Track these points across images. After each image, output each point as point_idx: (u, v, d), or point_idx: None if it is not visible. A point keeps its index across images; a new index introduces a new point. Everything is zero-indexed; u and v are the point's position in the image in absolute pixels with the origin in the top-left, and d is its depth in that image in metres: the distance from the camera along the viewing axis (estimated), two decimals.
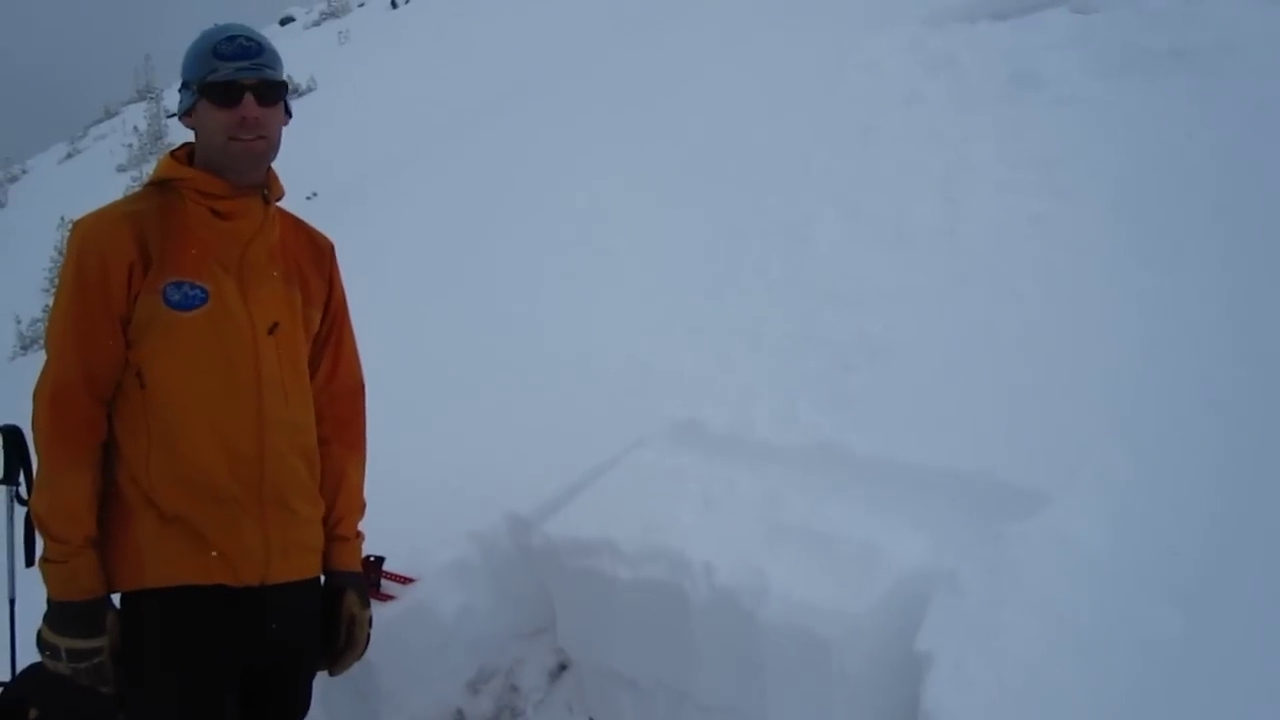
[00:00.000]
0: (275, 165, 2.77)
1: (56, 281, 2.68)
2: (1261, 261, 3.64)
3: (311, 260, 2.87)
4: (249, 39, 2.63)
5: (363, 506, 3.01)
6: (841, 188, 5.47)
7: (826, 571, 3.08)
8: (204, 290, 2.57)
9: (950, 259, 4.47)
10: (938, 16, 6.75)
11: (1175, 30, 5.15)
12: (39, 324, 31.91)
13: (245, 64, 2.59)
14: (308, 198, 15.13)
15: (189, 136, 2.72)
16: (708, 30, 9.61)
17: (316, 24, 47.05)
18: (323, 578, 2.89)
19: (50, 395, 2.51)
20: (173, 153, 2.72)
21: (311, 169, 15.74)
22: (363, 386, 3.04)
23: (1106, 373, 3.50)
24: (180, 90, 2.70)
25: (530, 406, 4.73)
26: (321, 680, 3.01)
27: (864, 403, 3.86)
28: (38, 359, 2.62)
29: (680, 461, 3.86)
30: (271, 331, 2.66)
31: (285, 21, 52.62)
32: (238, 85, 2.58)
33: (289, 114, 2.75)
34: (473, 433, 4.71)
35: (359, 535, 2.99)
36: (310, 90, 31.74)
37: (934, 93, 5.91)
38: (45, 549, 2.51)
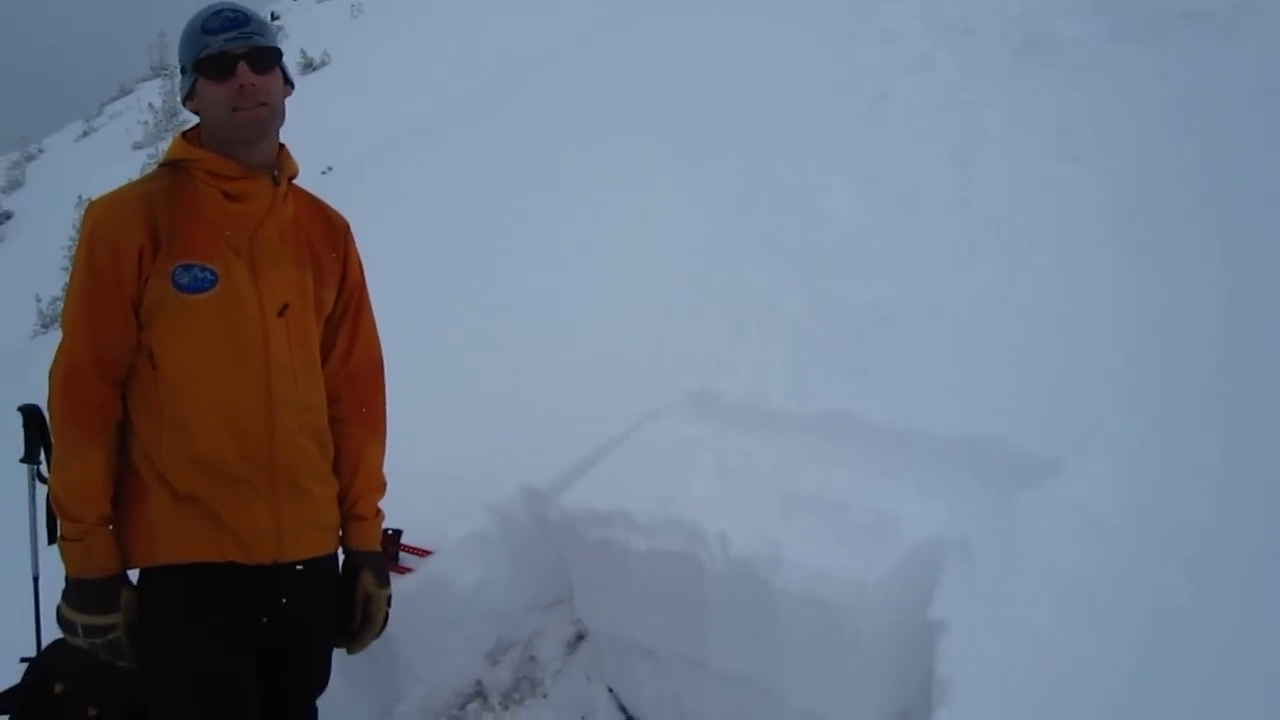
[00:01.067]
0: (289, 141, 2.78)
1: (71, 264, 2.71)
2: (1278, 226, 3.62)
3: (325, 240, 2.88)
4: (234, 10, 2.65)
5: (383, 485, 3.03)
6: (853, 156, 5.45)
7: (841, 540, 3.08)
8: (214, 273, 2.59)
9: (963, 226, 4.45)
10: None
11: None
12: (59, 303, 32.07)
13: (233, 34, 2.61)
14: (323, 172, 15.15)
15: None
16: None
17: None
18: (341, 556, 2.92)
19: (64, 377, 2.54)
20: (184, 134, 2.74)
21: (326, 143, 15.77)
22: (381, 365, 3.06)
23: (1119, 339, 3.49)
24: (181, 77, 2.72)
25: (545, 379, 4.74)
26: (341, 653, 3.04)
27: (877, 371, 3.86)
28: (58, 337, 2.65)
29: (694, 432, 3.87)
30: (281, 313, 2.68)
31: None
32: (230, 56, 2.60)
33: (290, 84, 2.76)
34: (488, 406, 4.72)
35: (378, 514, 3.02)
36: (324, 64, 31.69)
37: (946, 59, 5.89)
38: (61, 527, 2.55)
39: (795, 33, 7.51)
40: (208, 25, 2.61)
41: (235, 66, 2.59)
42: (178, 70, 2.74)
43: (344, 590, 2.92)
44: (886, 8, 6.87)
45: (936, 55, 5.98)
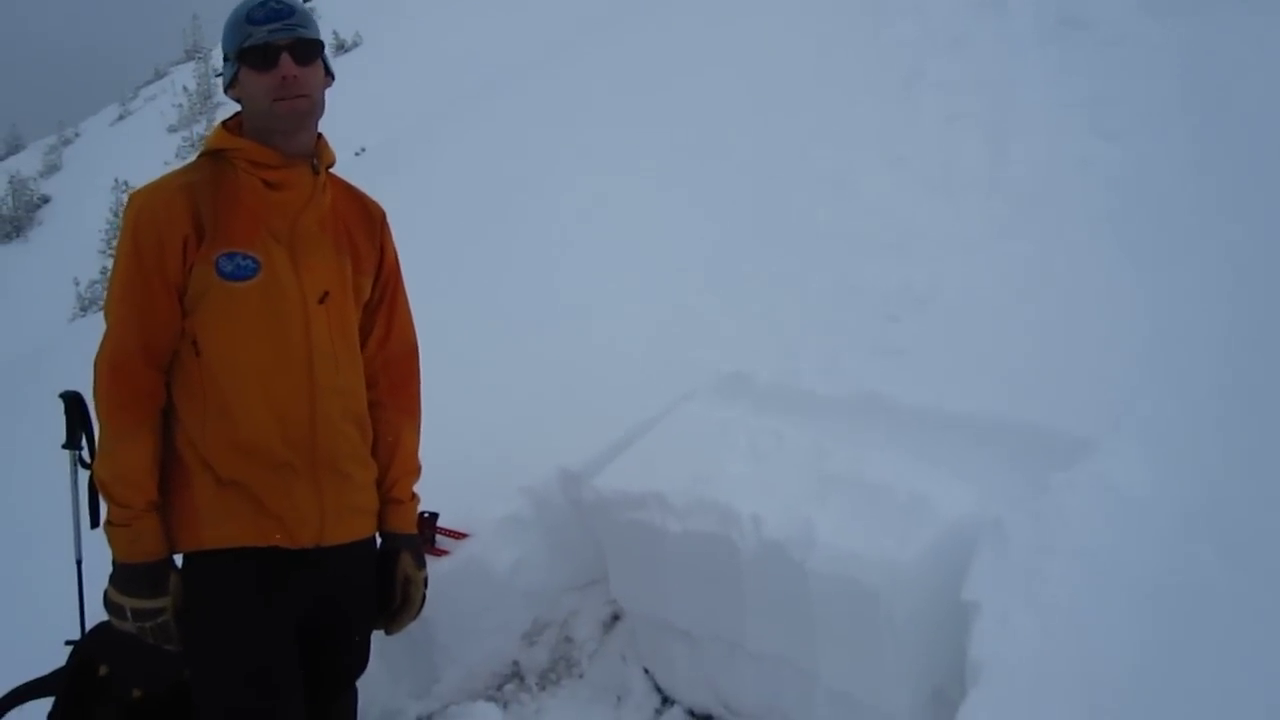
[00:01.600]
0: (322, 124, 2.81)
1: (114, 253, 2.75)
2: None
3: (363, 228, 2.91)
4: (279, 2, 2.67)
5: (418, 469, 3.06)
6: (886, 135, 5.44)
7: (873, 521, 3.09)
8: (255, 261, 2.62)
9: (996, 206, 4.44)
10: None
11: None
12: (97, 285, 32.37)
13: (278, 25, 2.64)
14: (356, 153, 15.20)
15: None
16: None
17: None
18: (379, 539, 2.96)
19: (110, 365, 2.58)
20: (224, 123, 2.76)
21: (360, 124, 15.82)
22: (417, 351, 3.09)
23: (1154, 319, 3.47)
24: (223, 65, 2.75)
25: (578, 362, 4.75)
26: (380, 636, 3.09)
27: (909, 353, 3.86)
28: (96, 320, 2.69)
29: (727, 414, 3.88)
30: (322, 301, 2.71)
31: None
32: (273, 47, 2.62)
33: (331, 75, 2.80)
34: (521, 389, 4.75)
35: (414, 498, 3.05)
36: (356, 45, 31.75)
37: (980, 35, 5.85)
38: (109, 513, 2.59)
39: (826, 12, 7.47)
40: (253, 15, 2.64)
41: (278, 58, 2.62)
42: (210, 53, 2.78)
43: (383, 573, 2.96)
44: None
45: (969, 32, 5.95)
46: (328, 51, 2.85)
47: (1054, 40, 5.41)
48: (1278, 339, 3.16)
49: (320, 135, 2.81)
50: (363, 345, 2.91)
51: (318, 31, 2.74)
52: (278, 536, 2.64)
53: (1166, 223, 3.84)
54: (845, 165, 5.36)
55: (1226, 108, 4.23)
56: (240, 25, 2.65)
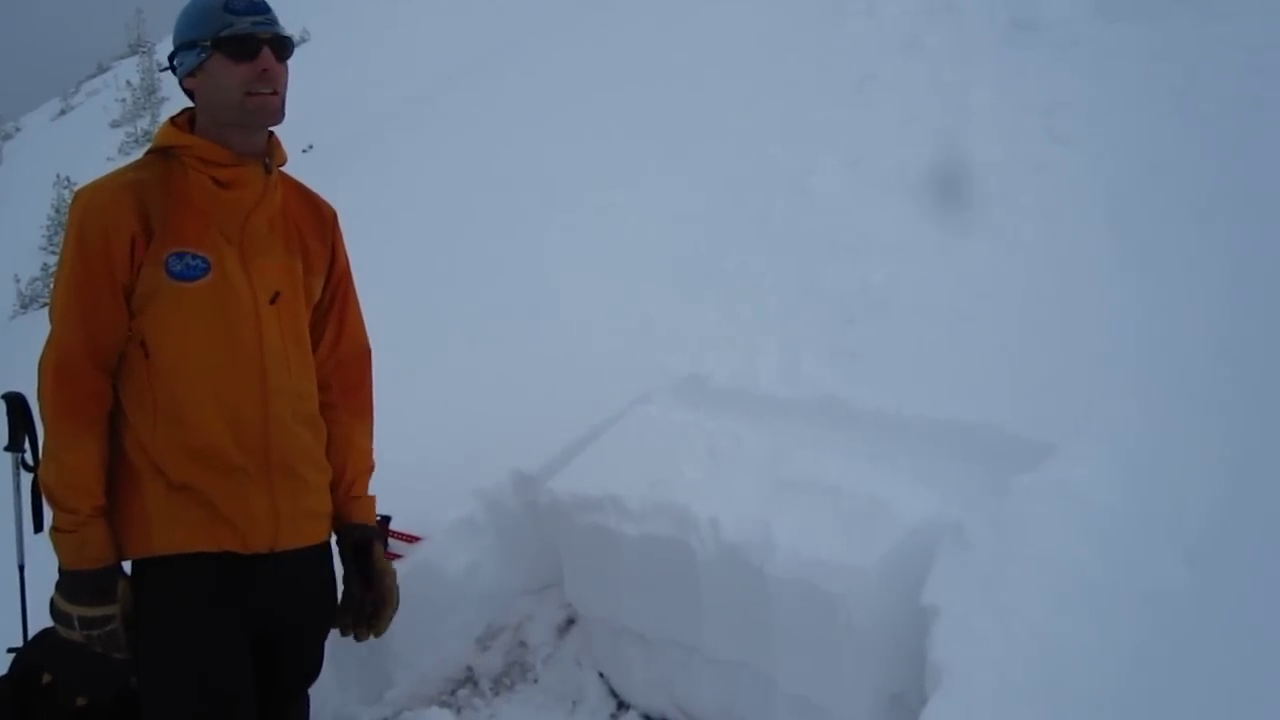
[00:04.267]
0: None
1: (57, 251, 2.68)
2: (1273, 207, 3.62)
3: (314, 228, 2.86)
4: None
5: (372, 469, 3.02)
6: (842, 137, 5.44)
7: (832, 525, 3.08)
8: (205, 260, 2.56)
9: (951, 208, 4.45)
10: None
11: None
12: (38, 283, 31.89)
13: (260, 18, 2.60)
14: (303, 150, 15.06)
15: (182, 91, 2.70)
16: None
17: None
18: (334, 539, 2.91)
19: (54, 367, 2.51)
20: (173, 119, 2.70)
21: (307, 121, 15.66)
22: (369, 352, 3.05)
23: (1112, 323, 3.49)
24: (180, 51, 2.67)
25: (534, 363, 4.72)
26: (332, 641, 3.02)
27: (867, 355, 3.86)
28: (37, 318, 2.62)
29: (685, 417, 3.86)
30: (273, 301, 2.65)
31: None
32: (255, 38, 2.57)
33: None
34: (477, 390, 4.70)
35: (371, 497, 3.01)
36: (304, 41, 31.51)
37: (933, 39, 5.88)
38: (55, 519, 2.52)
39: (780, 14, 7.48)
40: (232, 5, 2.58)
41: (260, 50, 2.57)
42: (155, 47, 2.71)
43: (361, 566, 2.93)
44: None
45: (923, 35, 5.97)
46: None
47: (1007, 43, 5.44)
48: (1238, 343, 3.18)
49: (272, 134, 2.75)
50: (315, 348, 2.86)
51: None
52: (230, 542, 2.58)
53: (1122, 227, 3.86)
54: (802, 167, 5.36)
55: (1181, 114, 4.26)
56: (216, 13, 2.58)
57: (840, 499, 3.15)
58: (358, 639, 3.01)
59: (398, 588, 3.01)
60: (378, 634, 3.01)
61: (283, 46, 2.62)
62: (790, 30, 7.09)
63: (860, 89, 5.80)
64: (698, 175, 5.93)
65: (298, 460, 2.69)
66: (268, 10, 2.62)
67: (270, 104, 2.60)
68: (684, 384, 4.12)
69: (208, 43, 2.58)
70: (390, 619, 3.01)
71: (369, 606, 2.96)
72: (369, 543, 2.95)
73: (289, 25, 2.79)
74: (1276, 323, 3.19)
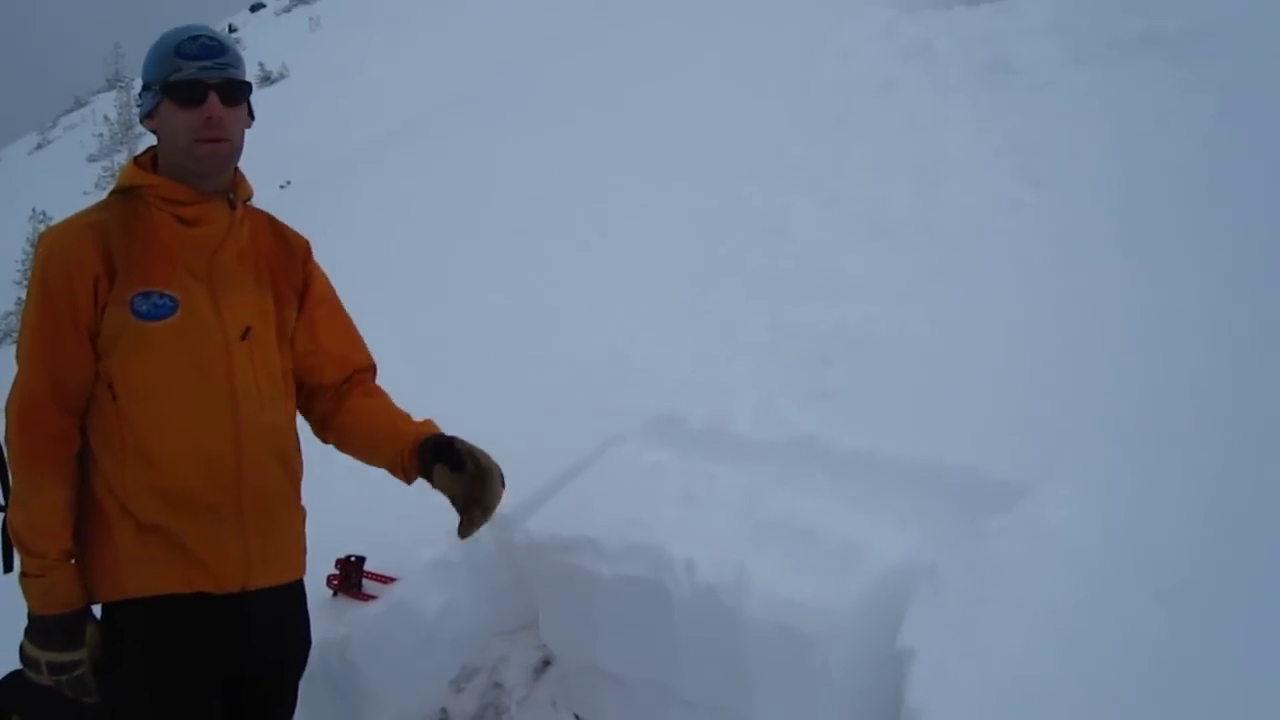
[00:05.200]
0: (246, 158, 2.75)
1: (26, 294, 2.67)
2: (1244, 249, 3.65)
3: (284, 261, 2.85)
4: (212, 38, 2.63)
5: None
6: (818, 177, 5.46)
7: (808, 567, 3.08)
8: (173, 299, 2.56)
9: (927, 249, 4.47)
10: (912, 2, 6.74)
11: (1148, 15, 5.15)
12: (12, 317, 31.63)
13: (209, 63, 2.58)
14: (281, 186, 15.03)
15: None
16: (683, 19, 9.55)
17: (287, 10, 46.38)
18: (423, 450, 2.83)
19: (20, 409, 2.50)
20: (136, 159, 2.70)
21: (285, 157, 15.66)
22: (374, 367, 3.06)
23: (1086, 364, 3.50)
24: (141, 93, 2.68)
25: (509, 402, 4.70)
26: (305, 682, 3.00)
27: (843, 396, 3.85)
28: (11, 354, 2.61)
29: (660, 457, 3.86)
30: (244, 337, 2.65)
31: (256, 8, 51.94)
32: (202, 84, 2.57)
33: (252, 116, 2.74)
34: (451, 429, 4.67)
35: (428, 420, 2.96)
36: (282, 77, 31.50)
37: (909, 80, 5.91)
38: (22, 563, 2.51)
39: (756, 53, 7.52)
40: (183, 49, 2.58)
41: (206, 96, 2.56)
42: (132, 82, 2.72)
43: (447, 454, 2.80)
44: (847, 27, 6.89)
45: (898, 76, 6.01)
46: (254, 84, 2.80)
47: (981, 86, 5.48)
48: (1208, 384, 3.20)
49: (237, 169, 2.75)
50: (322, 378, 2.88)
51: (245, 73, 2.69)
52: (203, 582, 2.57)
53: (1095, 269, 3.88)
54: (778, 206, 5.38)
55: (1151, 158, 4.30)
56: (168, 57, 2.59)
57: (815, 541, 3.15)
58: (472, 523, 2.78)
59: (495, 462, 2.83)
60: (486, 508, 2.77)
61: (233, 91, 2.61)
62: (769, 71, 7.12)
63: (837, 130, 5.83)
64: (673, 215, 5.94)
65: (270, 498, 2.68)
66: (221, 54, 2.60)
67: (219, 150, 2.60)
68: (659, 424, 4.11)
69: (158, 87, 2.59)
70: (497, 493, 2.79)
71: (469, 487, 2.77)
72: (447, 441, 2.83)
73: (268, 61, 2.79)
74: (1248, 365, 3.21)
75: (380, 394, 3.01)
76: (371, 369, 3.04)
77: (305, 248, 2.95)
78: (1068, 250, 4.04)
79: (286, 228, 2.95)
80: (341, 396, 2.92)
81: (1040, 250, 4.12)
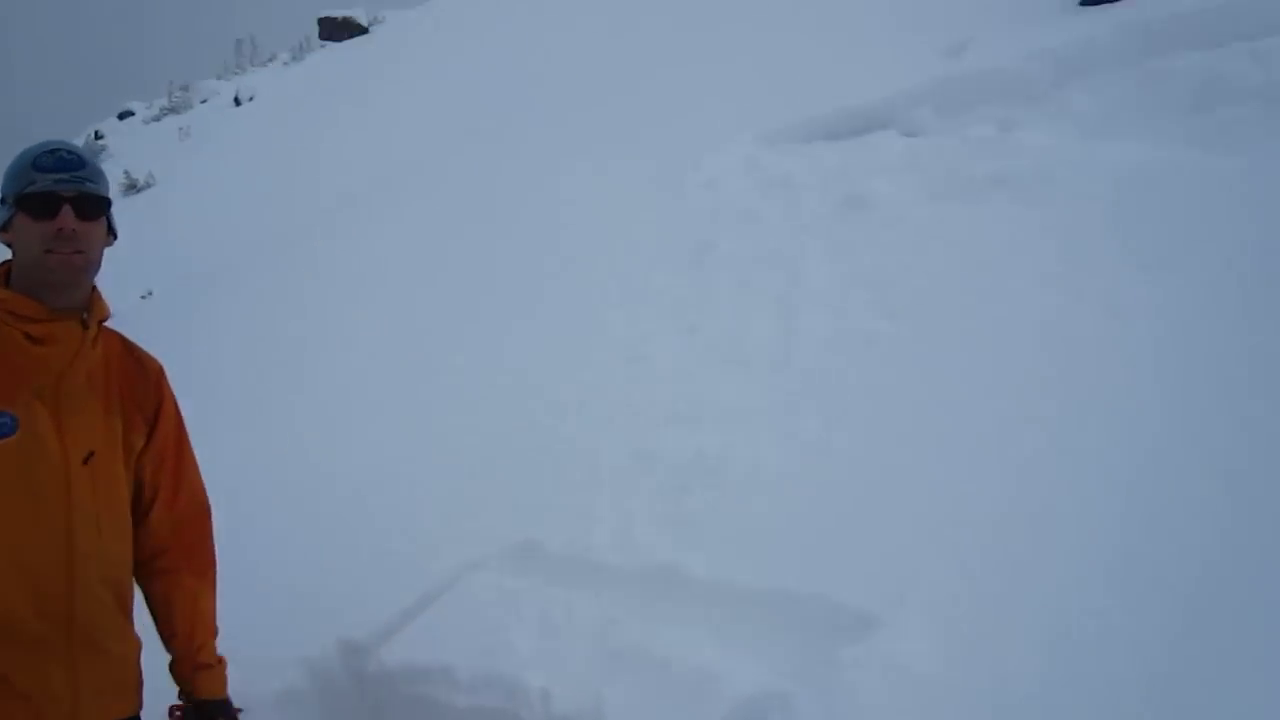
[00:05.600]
0: (106, 267, 2.70)
1: None
2: (1080, 381, 3.80)
3: (137, 384, 2.78)
4: (70, 152, 2.59)
5: (216, 633, 2.92)
6: (680, 305, 5.55)
7: (663, 697, 3.08)
8: (13, 419, 2.48)
9: (785, 379, 4.56)
10: (772, 136, 6.96)
11: (996, 157, 5.42)
12: None
13: (64, 176, 2.54)
14: (142, 296, 14.73)
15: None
16: (552, 142, 9.71)
17: (157, 119, 45.87)
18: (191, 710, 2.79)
19: None
20: None
21: (148, 266, 15.36)
22: (208, 509, 2.96)
23: (933, 492, 3.59)
24: (0, 206, 2.63)
25: (363, 527, 4.63)
26: None
27: (701, 523, 3.88)
28: None
29: (517, 584, 3.84)
30: (87, 461, 2.57)
31: (124, 115, 51.32)
32: (55, 196, 2.52)
33: (114, 234, 2.70)
34: (303, 553, 4.59)
35: (222, 661, 2.89)
36: (149, 186, 31.10)
37: (770, 212, 6.07)
38: None
39: (621, 182, 7.66)
40: (39, 162, 2.54)
41: (59, 208, 2.51)
42: None
43: None
44: (710, 161, 7.07)
45: (759, 208, 6.16)
46: (118, 192, 2.76)
47: (839, 220, 5.65)
48: (1051, 518, 3.30)
49: (94, 288, 2.69)
50: (150, 507, 2.78)
51: (107, 189, 2.65)
52: (24, 719, 2.44)
53: (943, 401, 4.00)
54: (639, 334, 5.44)
55: (997, 291, 4.47)
56: (25, 170, 2.55)
57: (671, 670, 3.15)
58: None
59: None
60: None
61: (89, 205, 2.57)
62: (630, 199, 7.25)
63: (699, 259, 5.95)
64: (533, 340, 5.96)
65: (102, 630, 2.57)
66: (79, 167, 2.56)
67: (73, 262, 2.54)
68: (517, 550, 4.09)
69: (12, 200, 2.55)
70: None
71: None
72: (209, 712, 2.80)
73: (134, 169, 2.75)
74: (1088, 488, 3.33)
75: (204, 586, 2.90)
76: (207, 512, 2.96)
77: (159, 371, 2.88)
78: (918, 383, 4.16)
79: (140, 350, 2.88)
80: (168, 570, 2.82)
81: (892, 382, 4.23)
